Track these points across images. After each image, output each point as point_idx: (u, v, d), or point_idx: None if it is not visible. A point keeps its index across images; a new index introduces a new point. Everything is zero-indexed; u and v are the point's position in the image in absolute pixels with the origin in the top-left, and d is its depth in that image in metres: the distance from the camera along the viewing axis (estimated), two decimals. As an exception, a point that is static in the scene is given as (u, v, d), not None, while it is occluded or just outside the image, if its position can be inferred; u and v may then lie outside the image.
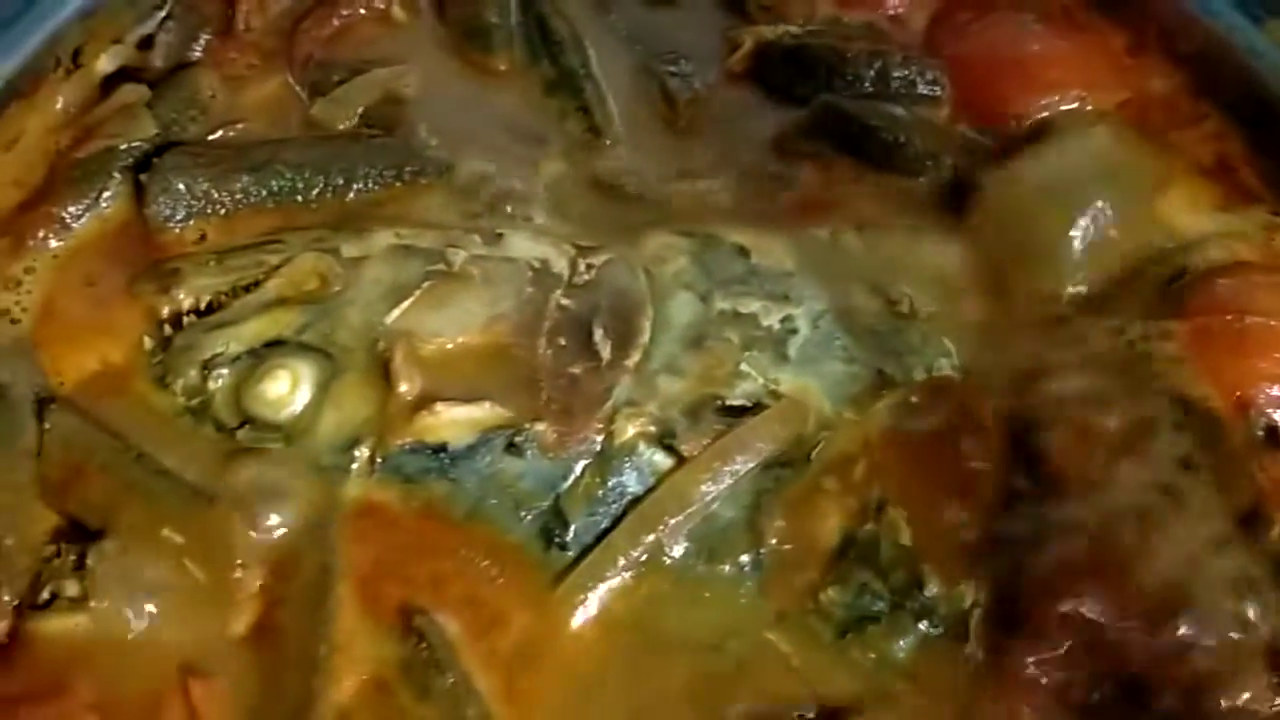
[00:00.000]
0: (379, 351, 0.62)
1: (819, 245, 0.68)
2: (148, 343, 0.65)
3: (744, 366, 0.63)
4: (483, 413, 0.61)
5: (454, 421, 0.61)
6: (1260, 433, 0.64)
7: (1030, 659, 0.56)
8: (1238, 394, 0.64)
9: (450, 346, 0.63)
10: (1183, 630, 0.56)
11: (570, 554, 0.60)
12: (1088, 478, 0.60)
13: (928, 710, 0.56)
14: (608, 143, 0.72)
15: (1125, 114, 0.75)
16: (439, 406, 0.61)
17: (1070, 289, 0.67)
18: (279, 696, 0.56)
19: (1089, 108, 0.74)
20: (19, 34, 0.69)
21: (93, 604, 0.57)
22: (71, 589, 0.58)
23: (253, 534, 0.59)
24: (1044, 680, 0.56)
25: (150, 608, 0.58)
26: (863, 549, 0.59)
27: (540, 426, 0.61)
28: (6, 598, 0.58)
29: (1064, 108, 0.74)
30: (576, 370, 0.63)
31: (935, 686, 0.57)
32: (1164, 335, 0.66)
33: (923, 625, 0.58)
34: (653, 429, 0.61)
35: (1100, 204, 0.68)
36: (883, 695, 0.56)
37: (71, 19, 0.71)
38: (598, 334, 0.63)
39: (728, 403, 0.62)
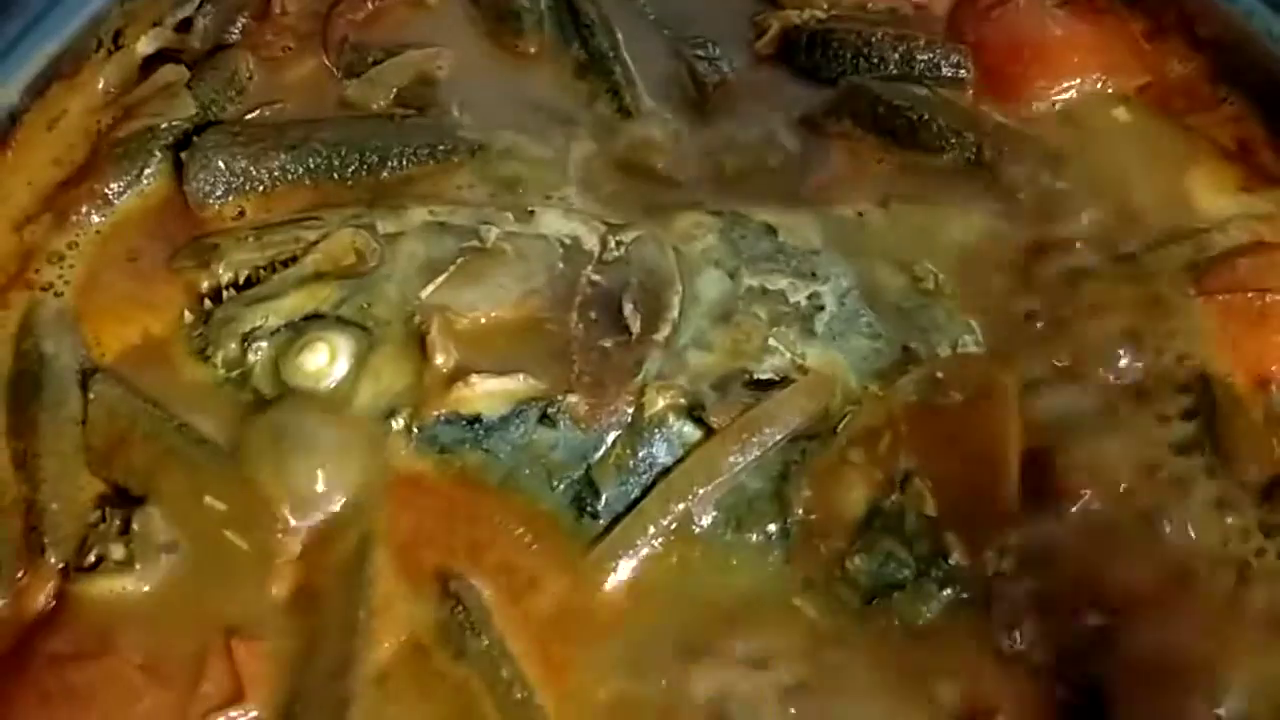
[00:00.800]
0: (415, 325, 0.64)
1: (845, 223, 0.70)
2: (188, 316, 0.67)
3: (772, 341, 0.65)
4: (516, 385, 0.63)
5: (488, 393, 0.62)
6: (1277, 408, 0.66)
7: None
8: (1258, 369, 0.66)
9: (484, 321, 0.65)
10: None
11: (602, 522, 0.61)
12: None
13: (943, 670, 0.58)
14: (637, 124, 0.74)
15: (1145, 98, 0.76)
16: (474, 379, 0.62)
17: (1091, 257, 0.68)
18: (319, 657, 0.58)
19: (1109, 91, 0.76)
20: (61, 16, 0.70)
21: (138, 567, 0.59)
22: (117, 553, 0.59)
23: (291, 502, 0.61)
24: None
25: (194, 571, 0.60)
26: (888, 519, 0.61)
27: (572, 398, 0.62)
28: (54, 560, 0.60)
29: (1085, 90, 0.75)
30: (607, 344, 0.64)
31: (957, 646, 0.58)
32: (1186, 311, 0.68)
33: (947, 592, 0.59)
34: (682, 401, 0.63)
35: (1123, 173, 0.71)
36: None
37: (112, 2, 0.72)
38: (628, 309, 0.65)
39: (756, 376, 0.63)
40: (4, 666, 0.57)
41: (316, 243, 0.67)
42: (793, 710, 0.56)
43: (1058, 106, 0.75)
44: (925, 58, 0.75)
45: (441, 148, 0.71)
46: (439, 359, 0.63)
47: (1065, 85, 0.75)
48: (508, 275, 0.66)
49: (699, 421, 0.62)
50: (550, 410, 0.62)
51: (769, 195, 0.71)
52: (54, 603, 0.59)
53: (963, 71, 0.75)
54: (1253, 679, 0.57)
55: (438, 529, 0.61)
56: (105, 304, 0.67)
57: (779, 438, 0.62)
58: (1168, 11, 0.77)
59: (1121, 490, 0.61)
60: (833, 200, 0.71)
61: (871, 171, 0.72)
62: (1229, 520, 0.61)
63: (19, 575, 0.60)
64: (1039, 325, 0.67)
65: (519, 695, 0.57)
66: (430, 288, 0.65)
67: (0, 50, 0.68)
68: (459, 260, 0.66)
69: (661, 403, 0.62)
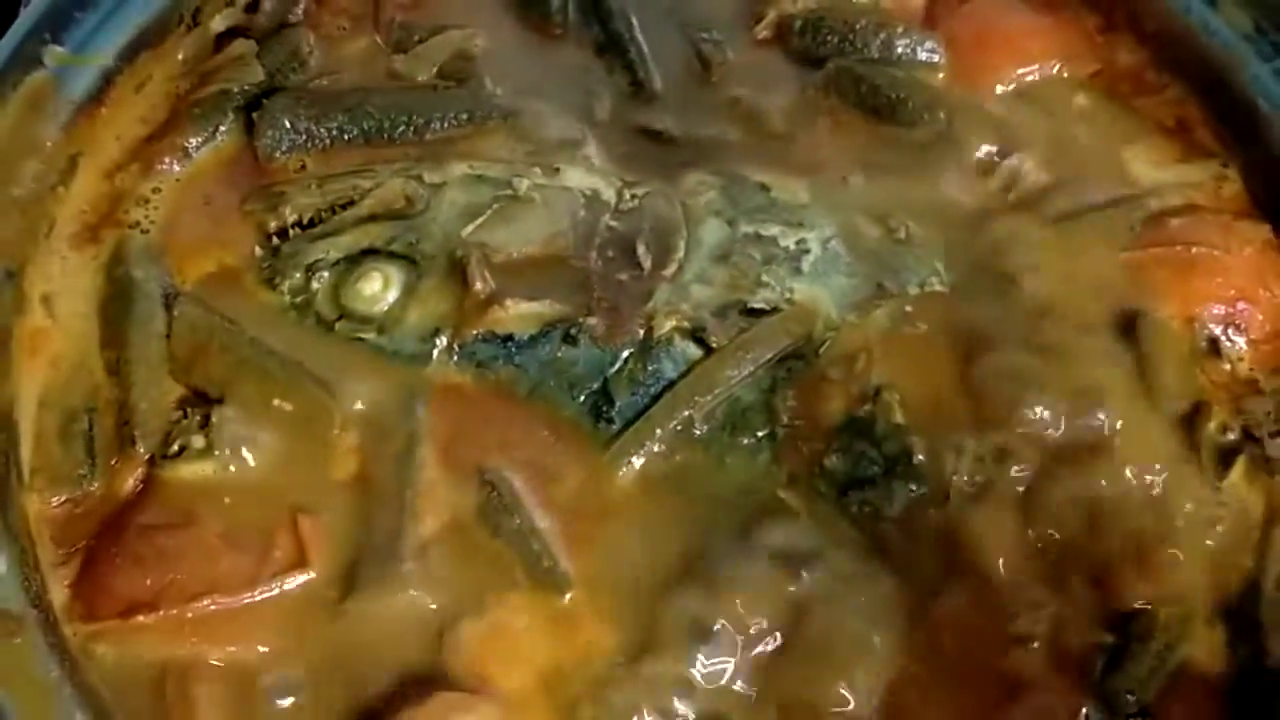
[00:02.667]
0: (456, 258, 0.74)
1: (830, 183, 0.80)
2: (258, 251, 0.76)
3: (764, 278, 0.74)
4: (544, 308, 0.72)
5: (520, 315, 0.72)
6: (1204, 344, 0.76)
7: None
8: (1185, 311, 0.76)
9: (516, 256, 0.75)
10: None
11: (615, 427, 0.71)
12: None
13: (911, 553, 0.68)
14: (650, 96, 0.84)
15: (1097, 82, 0.86)
16: (508, 302, 0.72)
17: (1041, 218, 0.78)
18: (373, 531, 0.67)
19: (1065, 75, 0.86)
20: (151, -7, 0.80)
21: (216, 454, 0.68)
22: (198, 443, 0.69)
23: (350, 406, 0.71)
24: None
25: (265, 459, 0.69)
26: (861, 425, 0.70)
27: (592, 321, 0.72)
28: (142, 450, 0.69)
29: (1044, 74, 0.86)
30: (622, 277, 0.74)
31: (918, 534, 0.68)
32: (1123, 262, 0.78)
33: (911, 487, 0.69)
34: (686, 325, 0.72)
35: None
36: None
37: (193, -19, 0.82)
38: (640, 249, 0.75)
39: (750, 306, 0.73)
40: (102, 537, 0.67)
41: (371, 190, 0.77)
42: (777, 572, 0.66)
43: (1019, 88, 0.85)
44: (903, 43, 0.85)
45: (478, 113, 0.81)
46: (477, 286, 0.72)
47: (1025, 70, 0.85)
48: (536, 220, 0.76)
49: (700, 342, 0.72)
50: (573, 331, 0.72)
51: (764, 160, 0.81)
52: (142, 486, 0.69)
53: (936, 56, 0.85)
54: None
55: (475, 430, 0.71)
56: (185, 240, 0.77)
57: (769, 356, 0.72)
58: (1118, 9, 0.87)
59: (1061, 408, 0.71)
60: (820, 165, 0.81)
61: (854, 142, 0.82)
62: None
63: (112, 462, 0.69)
64: (993, 273, 0.77)
65: (546, 564, 0.66)
66: (470, 228, 0.75)
67: (98, 20, 0.78)
68: (494, 206, 0.76)
69: (668, 326, 0.72)
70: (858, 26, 0.85)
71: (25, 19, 0.75)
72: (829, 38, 0.85)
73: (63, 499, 0.68)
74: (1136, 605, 0.66)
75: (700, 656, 0.64)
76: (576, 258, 0.75)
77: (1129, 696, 0.64)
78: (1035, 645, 0.65)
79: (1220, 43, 0.82)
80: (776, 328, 0.72)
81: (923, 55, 0.85)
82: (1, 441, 0.67)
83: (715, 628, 0.65)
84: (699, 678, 0.64)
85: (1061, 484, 0.69)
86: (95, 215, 0.77)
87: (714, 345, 0.72)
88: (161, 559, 0.65)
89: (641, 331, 0.72)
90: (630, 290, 0.74)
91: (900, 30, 0.86)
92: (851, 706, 0.63)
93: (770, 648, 0.65)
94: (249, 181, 0.79)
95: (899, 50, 0.85)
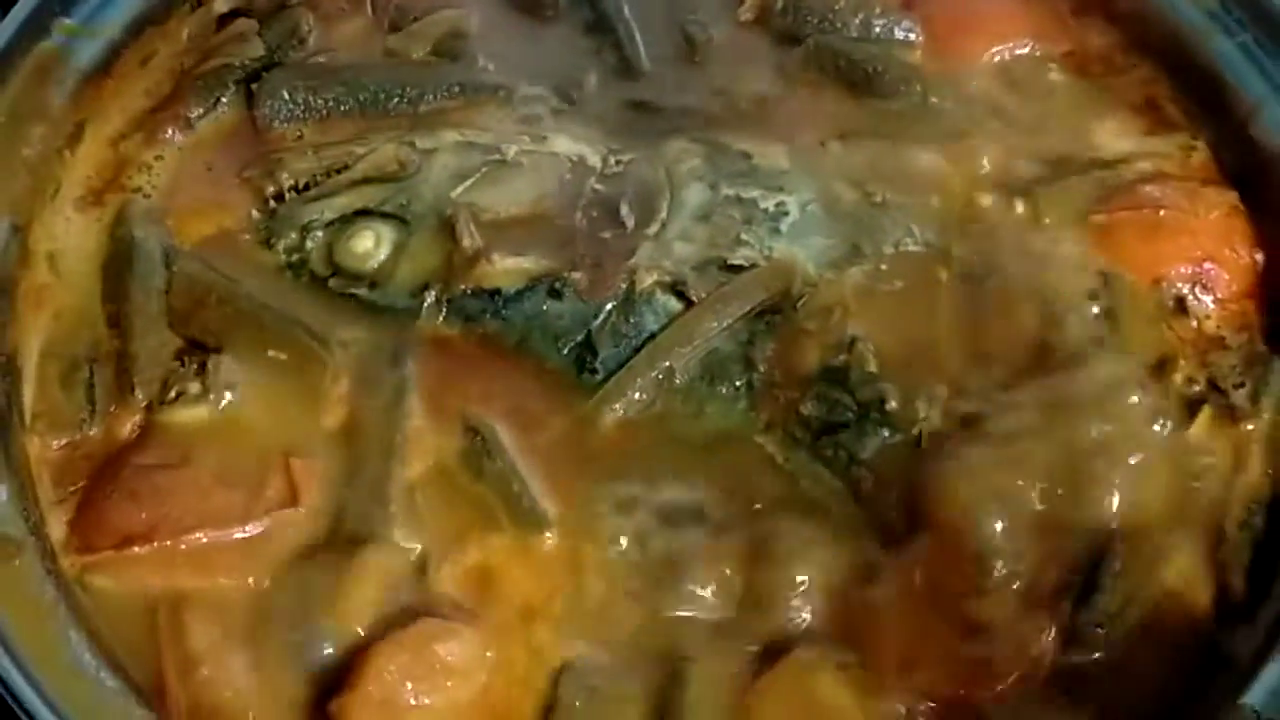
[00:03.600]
0: (446, 217, 0.76)
1: (809, 151, 0.82)
2: (255, 214, 0.79)
3: (744, 236, 0.77)
4: (530, 263, 0.75)
5: (506, 270, 0.75)
6: (1170, 302, 0.78)
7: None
8: (1153, 270, 0.78)
9: (503, 215, 0.77)
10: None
11: (599, 377, 0.73)
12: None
13: (881, 496, 0.70)
14: (637, 73, 0.86)
15: (1069, 63, 0.89)
16: (495, 257, 0.75)
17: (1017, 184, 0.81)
18: (361, 474, 0.69)
19: (1038, 54, 0.89)
20: (156, -29, 0.84)
21: (211, 398, 0.71)
22: (194, 388, 0.71)
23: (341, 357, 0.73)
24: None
25: (259, 405, 0.72)
26: (836, 373, 0.72)
27: (577, 275, 0.75)
28: (140, 397, 0.72)
29: (1017, 52, 0.89)
30: (606, 235, 0.77)
31: (888, 478, 0.70)
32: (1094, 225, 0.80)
33: (883, 432, 0.71)
34: (667, 279, 0.75)
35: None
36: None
37: (199, -38, 0.86)
38: (624, 209, 0.78)
39: (730, 262, 0.76)
40: (99, 477, 0.69)
41: (365, 155, 0.80)
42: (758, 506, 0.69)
43: (993, 65, 0.87)
44: (880, 23, 0.88)
45: (470, 86, 0.84)
46: (465, 242, 0.75)
47: (1000, 48, 0.87)
48: (524, 182, 0.79)
49: (681, 296, 0.75)
50: (558, 285, 0.75)
51: (746, 129, 0.83)
52: (140, 430, 0.71)
53: (912, 35, 0.88)
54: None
55: (461, 380, 0.73)
56: (185, 204, 0.80)
57: (747, 309, 0.74)
58: (1089, -7, 0.90)
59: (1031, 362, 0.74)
60: (799, 134, 0.83)
61: (833, 112, 0.85)
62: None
63: (111, 409, 0.72)
64: (967, 237, 0.80)
65: (526, 504, 0.68)
66: (459, 189, 0.78)
67: (107, -6, 0.81)
68: (483, 170, 0.79)
69: (650, 280, 0.75)
70: (836, 7, 0.88)
71: (32, -8, 0.79)
72: (809, 18, 0.88)
73: (63, 442, 0.71)
74: (1105, 547, 0.68)
75: (678, 586, 0.66)
76: (562, 217, 0.77)
77: (1098, 630, 0.65)
78: (1005, 585, 0.67)
79: (1186, 21, 0.85)
80: (755, 282, 0.75)
81: (900, 34, 0.88)
82: (5, 385, 0.70)
83: (692, 562, 0.67)
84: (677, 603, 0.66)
85: (1030, 431, 0.71)
86: (100, 180, 0.80)
87: (694, 299, 0.74)
88: (156, 495, 0.67)
89: (624, 286, 0.75)
90: (614, 247, 0.76)
91: (878, 11, 0.89)
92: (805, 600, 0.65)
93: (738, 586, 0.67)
94: (248, 150, 0.82)
95: (876, 29, 0.88)
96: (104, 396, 0.72)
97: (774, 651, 0.65)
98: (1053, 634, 0.66)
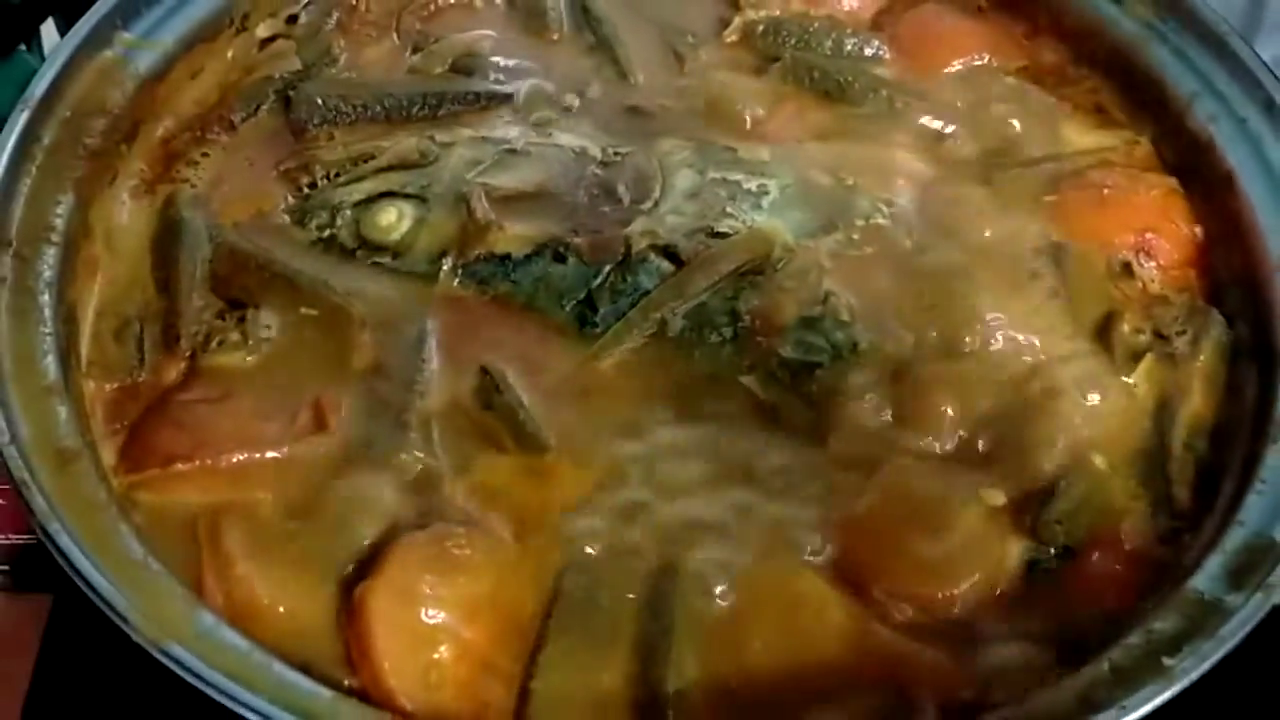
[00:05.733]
0: (462, 194, 0.85)
1: (788, 147, 0.91)
2: (290, 200, 0.88)
3: (729, 210, 0.85)
4: (536, 231, 0.83)
5: (516, 237, 0.83)
6: (1118, 267, 0.86)
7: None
8: (1100, 239, 0.86)
9: (513, 193, 0.86)
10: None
11: (598, 330, 0.81)
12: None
13: (850, 422, 0.77)
14: (632, 83, 0.97)
15: (1024, 74, 0.99)
16: (505, 225, 0.83)
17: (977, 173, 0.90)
18: (385, 407, 0.76)
19: (995, 65, 0.99)
20: (207, -2, 0.95)
21: (249, 343, 0.79)
22: (234, 337, 0.79)
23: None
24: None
25: (293, 351, 0.79)
26: (812, 321, 0.80)
27: (579, 240, 0.83)
28: (184, 347, 0.79)
29: (975, 65, 0.98)
30: (605, 209, 0.85)
31: (861, 414, 0.77)
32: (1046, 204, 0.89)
33: (855, 371, 0.78)
34: (661, 243, 0.83)
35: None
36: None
37: (243, -7, 0.97)
38: (621, 189, 0.86)
39: (716, 230, 0.84)
40: (149, 413, 0.76)
41: (389, 148, 0.89)
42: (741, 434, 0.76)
43: (954, 74, 0.97)
44: (851, 42, 0.98)
45: (484, 95, 0.94)
46: (479, 214, 0.84)
47: (960, 61, 0.97)
48: (531, 167, 0.88)
49: (673, 258, 0.82)
50: (561, 250, 0.83)
51: (731, 130, 0.93)
52: (184, 375, 0.79)
53: (881, 52, 0.98)
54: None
55: (475, 332, 0.80)
56: (228, 193, 0.88)
57: (733, 268, 0.82)
58: (1040, 15, 1.00)
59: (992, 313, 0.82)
60: (779, 134, 0.93)
61: (809, 117, 0.94)
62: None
63: (158, 358, 0.79)
64: (934, 218, 0.88)
65: (530, 429, 0.75)
66: (473, 173, 0.87)
67: (162, 15, 0.91)
68: (495, 157, 0.88)
69: (645, 244, 0.82)
70: (812, 29, 0.99)
71: (99, 7, 0.89)
72: (787, 38, 0.99)
73: (115, 386, 0.78)
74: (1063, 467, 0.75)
75: (668, 499, 0.73)
76: (566, 195, 0.86)
77: (1057, 525, 0.72)
78: (970, 503, 0.74)
79: (1125, 33, 0.95)
80: (739, 245, 0.83)
81: (869, 51, 0.98)
82: (66, 331, 0.77)
83: (681, 478, 0.74)
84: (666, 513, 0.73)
85: (990, 376, 0.79)
86: (152, 173, 0.89)
87: (685, 260, 0.82)
88: (199, 423, 0.75)
89: (621, 250, 0.83)
90: (612, 218, 0.85)
91: (849, 31, 0.99)
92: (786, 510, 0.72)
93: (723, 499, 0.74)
94: (285, 149, 0.91)
95: (848, 47, 0.98)
96: (152, 348, 0.80)
97: (759, 554, 0.71)
98: (1013, 538, 0.72)
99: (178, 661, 0.60)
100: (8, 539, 1.01)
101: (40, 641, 0.92)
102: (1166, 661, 0.63)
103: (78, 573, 0.63)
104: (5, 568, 1.04)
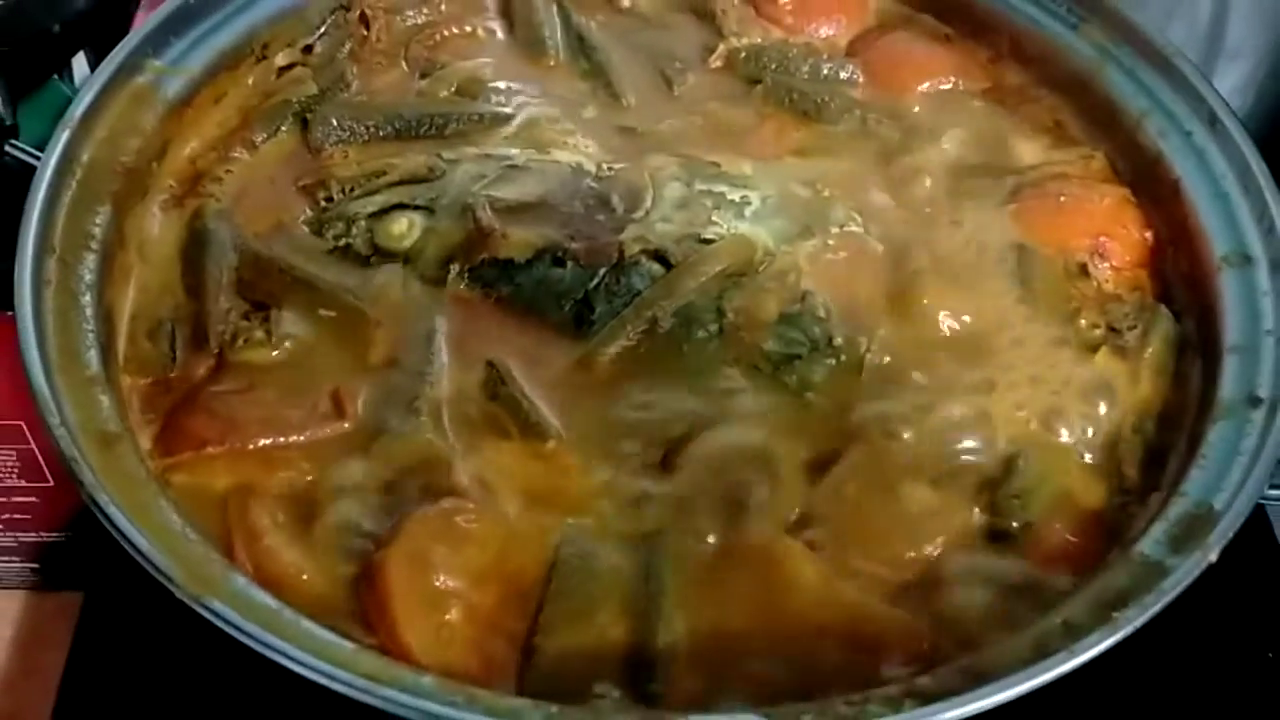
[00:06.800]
0: (467, 205, 0.92)
1: (770, 162, 0.99)
2: (308, 212, 0.95)
3: (714, 218, 0.92)
4: (537, 237, 0.90)
5: (517, 243, 0.89)
6: (1075, 268, 0.93)
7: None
8: (1058, 242, 0.93)
9: (515, 203, 0.93)
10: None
11: (595, 328, 0.87)
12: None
13: (826, 407, 0.84)
14: (624, 105, 1.04)
15: (989, 95, 1.06)
16: (508, 232, 0.90)
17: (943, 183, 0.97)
18: (398, 396, 0.83)
19: (961, 87, 1.06)
20: (231, 27, 1.01)
21: (274, 341, 0.85)
22: (259, 335, 0.86)
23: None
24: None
25: (313, 348, 0.86)
26: (792, 319, 0.87)
27: (575, 246, 0.89)
28: (212, 345, 0.86)
29: (943, 87, 1.06)
30: (600, 218, 0.92)
31: (836, 397, 0.84)
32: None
33: (830, 361, 0.85)
34: (652, 248, 0.89)
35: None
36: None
37: (263, 25, 1.04)
38: (614, 200, 0.93)
39: (703, 236, 0.91)
40: (182, 403, 0.83)
41: (400, 165, 0.97)
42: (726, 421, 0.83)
43: (923, 95, 1.05)
44: (828, 67, 1.06)
45: (487, 116, 1.01)
46: (484, 222, 0.91)
47: (929, 83, 1.05)
48: (532, 181, 0.95)
49: (663, 262, 0.89)
50: (560, 255, 0.89)
51: (716, 147, 1.00)
52: (213, 370, 0.85)
53: (855, 76, 1.06)
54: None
55: (481, 331, 0.87)
56: (250, 206, 0.95)
57: (718, 269, 0.89)
58: (1002, 43, 1.08)
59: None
60: (761, 151, 1.01)
61: (789, 135, 1.02)
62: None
63: (188, 356, 0.86)
64: (903, 224, 0.95)
65: (533, 418, 0.82)
66: (478, 186, 0.94)
67: (188, 45, 0.98)
68: (498, 172, 0.95)
69: (637, 249, 0.89)
70: (790, 55, 1.07)
71: (132, 38, 0.96)
72: (768, 63, 1.07)
73: (149, 380, 0.85)
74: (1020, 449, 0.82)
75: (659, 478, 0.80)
76: (564, 205, 0.93)
77: (1014, 500, 0.78)
78: (932, 480, 0.80)
79: (1082, 57, 1.03)
80: (724, 249, 0.90)
81: (843, 75, 1.06)
82: (105, 330, 0.84)
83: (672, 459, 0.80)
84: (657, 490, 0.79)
85: (956, 365, 0.86)
86: (180, 189, 0.96)
87: (674, 264, 0.89)
88: (228, 411, 0.81)
89: (615, 255, 0.90)
90: (606, 226, 0.92)
91: (825, 57, 1.07)
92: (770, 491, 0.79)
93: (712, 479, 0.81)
94: (304, 166, 0.99)
95: (824, 71, 1.06)
96: (183, 346, 0.86)
97: (740, 524, 0.78)
98: (975, 509, 0.79)
99: (216, 614, 0.66)
100: (39, 537, 1.07)
101: (72, 638, 0.98)
102: (1114, 615, 0.70)
103: (124, 536, 0.69)
104: (34, 565, 1.10)
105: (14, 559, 1.09)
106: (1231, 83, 1.31)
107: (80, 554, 1.07)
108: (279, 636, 0.66)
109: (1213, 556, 0.71)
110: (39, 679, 1.08)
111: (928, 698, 0.66)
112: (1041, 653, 0.68)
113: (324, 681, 0.64)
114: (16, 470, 1.00)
